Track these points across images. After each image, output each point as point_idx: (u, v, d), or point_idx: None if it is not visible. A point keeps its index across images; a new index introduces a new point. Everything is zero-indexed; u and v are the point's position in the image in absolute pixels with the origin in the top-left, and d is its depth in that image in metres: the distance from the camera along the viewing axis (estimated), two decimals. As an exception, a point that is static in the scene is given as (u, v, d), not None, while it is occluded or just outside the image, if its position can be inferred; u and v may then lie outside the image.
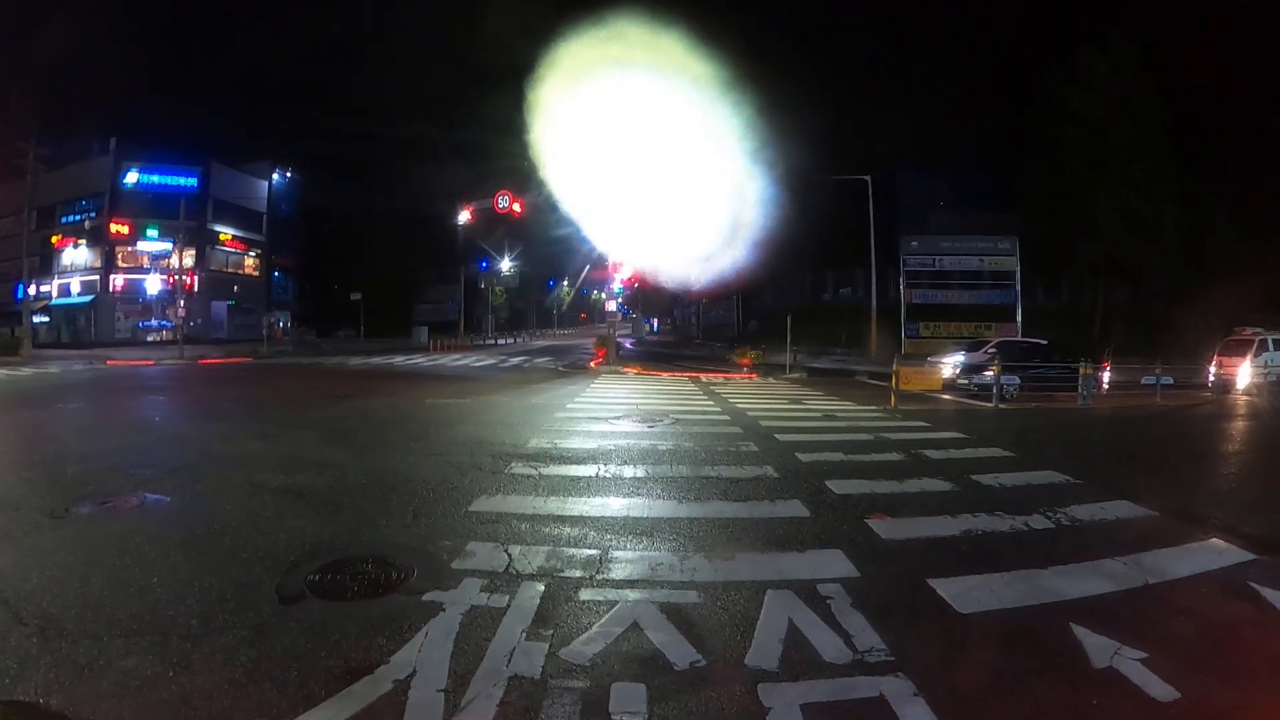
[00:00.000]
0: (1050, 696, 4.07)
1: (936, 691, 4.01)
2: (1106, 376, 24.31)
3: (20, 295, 46.27)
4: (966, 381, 22.79)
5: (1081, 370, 21.13)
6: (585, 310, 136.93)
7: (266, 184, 70.83)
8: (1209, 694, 4.12)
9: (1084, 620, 4.95)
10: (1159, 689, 4.08)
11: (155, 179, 59.37)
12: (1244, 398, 23.51)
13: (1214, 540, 7.12)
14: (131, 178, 57.93)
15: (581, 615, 4.99)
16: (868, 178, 42.44)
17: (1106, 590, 5.66)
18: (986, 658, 4.52)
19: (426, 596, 5.25)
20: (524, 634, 4.64)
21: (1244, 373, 25.35)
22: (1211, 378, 25.18)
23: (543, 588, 5.45)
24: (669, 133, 29.23)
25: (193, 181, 60.92)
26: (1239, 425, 17.49)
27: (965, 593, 5.50)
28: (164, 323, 55.03)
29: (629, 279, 38.89)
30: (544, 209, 33.41)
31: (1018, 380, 21.53)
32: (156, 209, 56.44)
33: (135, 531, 6.75)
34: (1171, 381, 24.51)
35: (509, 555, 6.17)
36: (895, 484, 9.35)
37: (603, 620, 4.89)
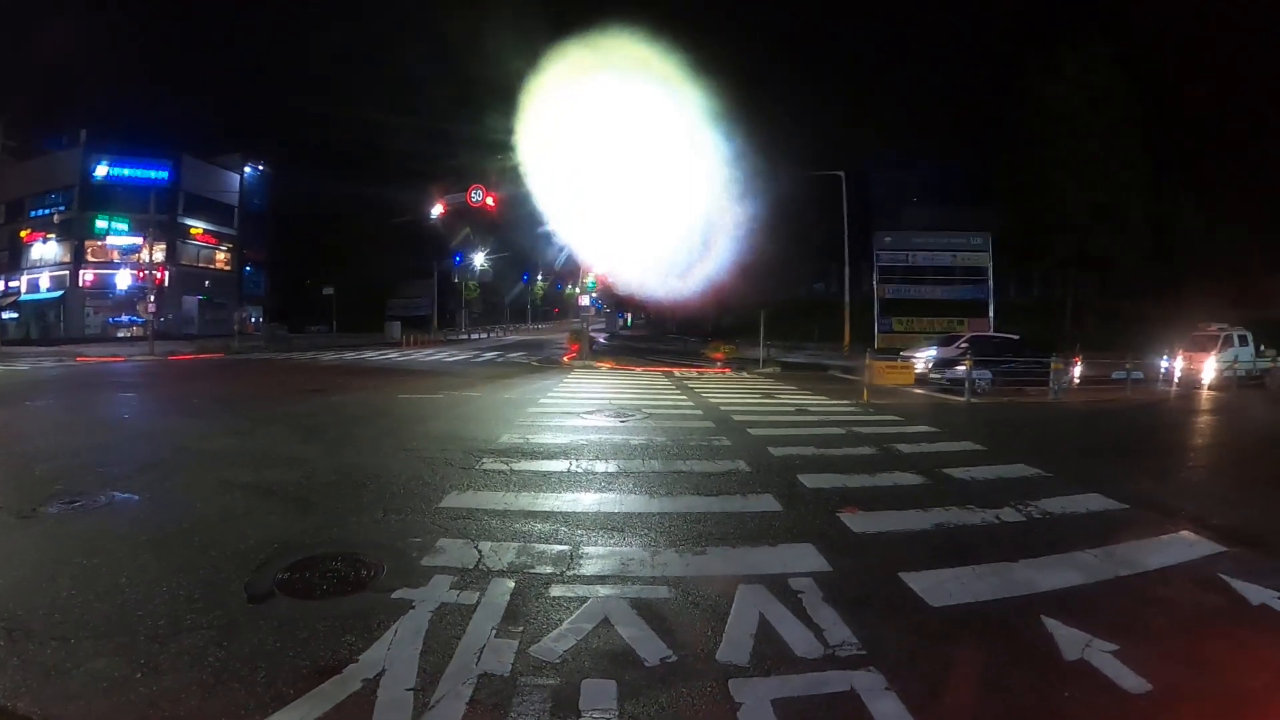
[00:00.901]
0: (1022, 689, 4.09)
1: (908, 685, 4.02)
2: (1078, 371, 24.49)
3: (-11, 291, 45.76)
4: (939, 376, 22.93)
5: (1053, 365, 21.29)
6: (559, 305, 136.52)
7: (238, 177, 70.36)
8: (1180, 685, 4.16)
9: (1056, 613, 4.98)
10: (1131, 681, 4.12)
11: (125, 172, 58.78)
12: (1209, 392, 23.73)
13: (1184, 532, 7.18)
14: (101, 170, 57.27)
15: (552, 611, 4.97)
16: (841, 174, 42.62)
17: (1078, 582, 5.70)
18: (958, 651, 4.53)
19: (396, 594, 5.21)
20: (494, 631, 4.62)
21: (1209, 368, 25.61)
22: (1177, 373, 25.37)
23: (513, 584, 5.43)
24: (641, 130, 29.21)
25: (164, 174, 60.39)
26: (1208, 420, 17.69)
27: (937, 586, 5.52)
28: (135, 318, 54.61)
29: (602, 276, 38.78)
30: (519, 204, 33.29)
31: (990, 375, 21.68)
32: (127, 202, 55.93)
33: (104, 531, 6.70)
34: (1142, 376, 24.70)
35: (479, 552, 6.14)
36: (867, 478, 9.40)
37: (573, 616, 4.87)
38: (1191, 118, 44.55)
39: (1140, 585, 5.72)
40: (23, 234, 57.90)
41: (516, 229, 61.60)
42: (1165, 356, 25.61)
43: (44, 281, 59.49)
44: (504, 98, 28.83)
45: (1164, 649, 4.57)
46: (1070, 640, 4.59)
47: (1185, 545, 6.80)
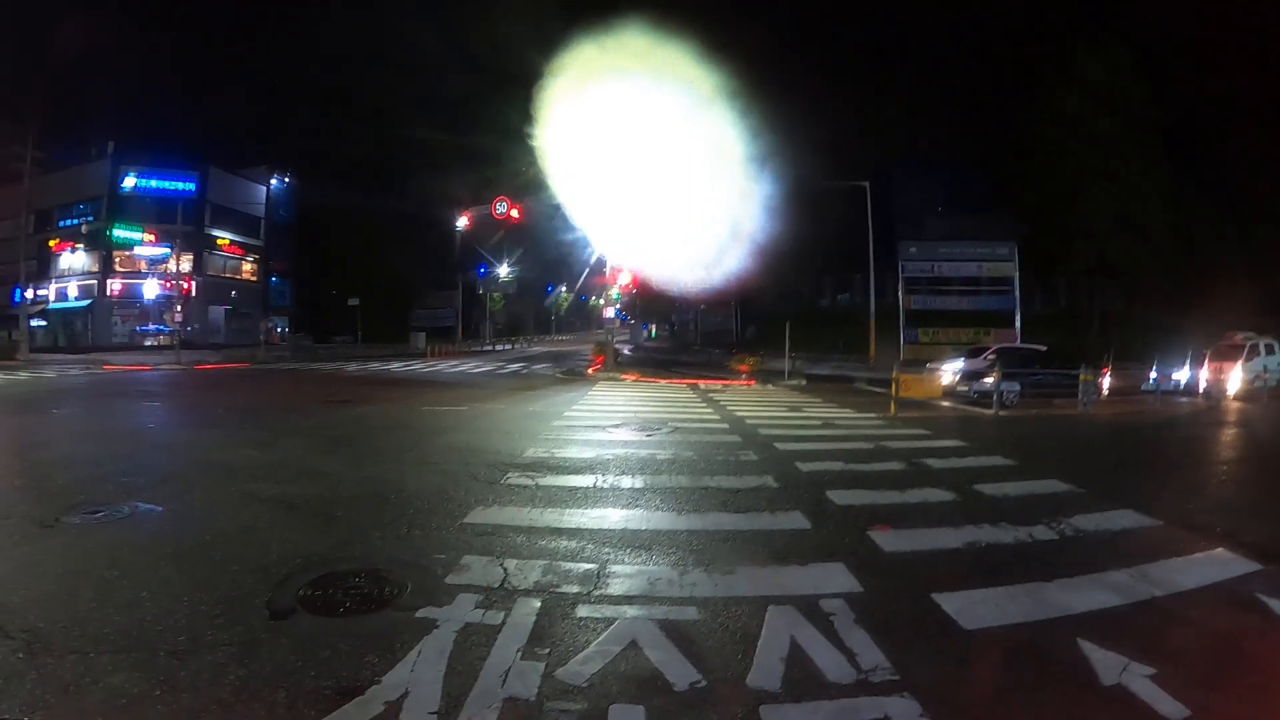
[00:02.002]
0: (1059, 715, 3.99)
1: (943, 712, 3.92)
2: (1106, 382, 24.23)
3: (17, 299, 46.22)
4: (966, 388, 22.71)
5: (1081, 376, 21.06)
6: (583, 316, 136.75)
7: (264, 189, 70.94)
8: (1219, 711, 4.04)
9: (1091, 635, 4.85)
10: (1168, 706, 3.99)
11: (153, 183, 59.44)
12: (1236, 403, 23.38)
13: (1219, 550, 7.02)
14: (129, 182, 57.77)
15: (579, 633, 4.89)
16: (866, 184, 42.46)
17: (1113, 603, 5.55)
18: (993, 675, 4.43)
19: (420, 613, 5.15)
20: (519, 653, 4.54)
21: (1235, 378, 25.19)
22: (1203, 384, 25.00)
23: (539, 604, 5.35)
24: (668, 139, 29.20)
25: (190, 186, 61.07)
26: (1237, 432, 17.41)
27: (970, 607, 5.39)
28: (161, 327, 55.01)
29: (627, 285, 38.78)
30: (543, 215, 33.39)
31: (1018, 387, 21.43)
32: (154, 213, 56.64)
33: (125, 543, 6.69)
34: (1171, 387, 24.39)
35: (504, 570, 6.07)
36: (897, 494, 9.26)
37: (600, 638, 4.79)
38: (1214, 122, 44.22)
39: (1176, 606, 5.58)
40: (51, 243, 58.49)
41: (541, 240, 61.81)
42: (1176, 367, 25.20)
43: (72, 290, 60.21)
44: (529, 105, 28.85)
45: (1202, 672, 4.44)
46: (1106, 664, 4.47)
47: (1220, 564, 6.65)
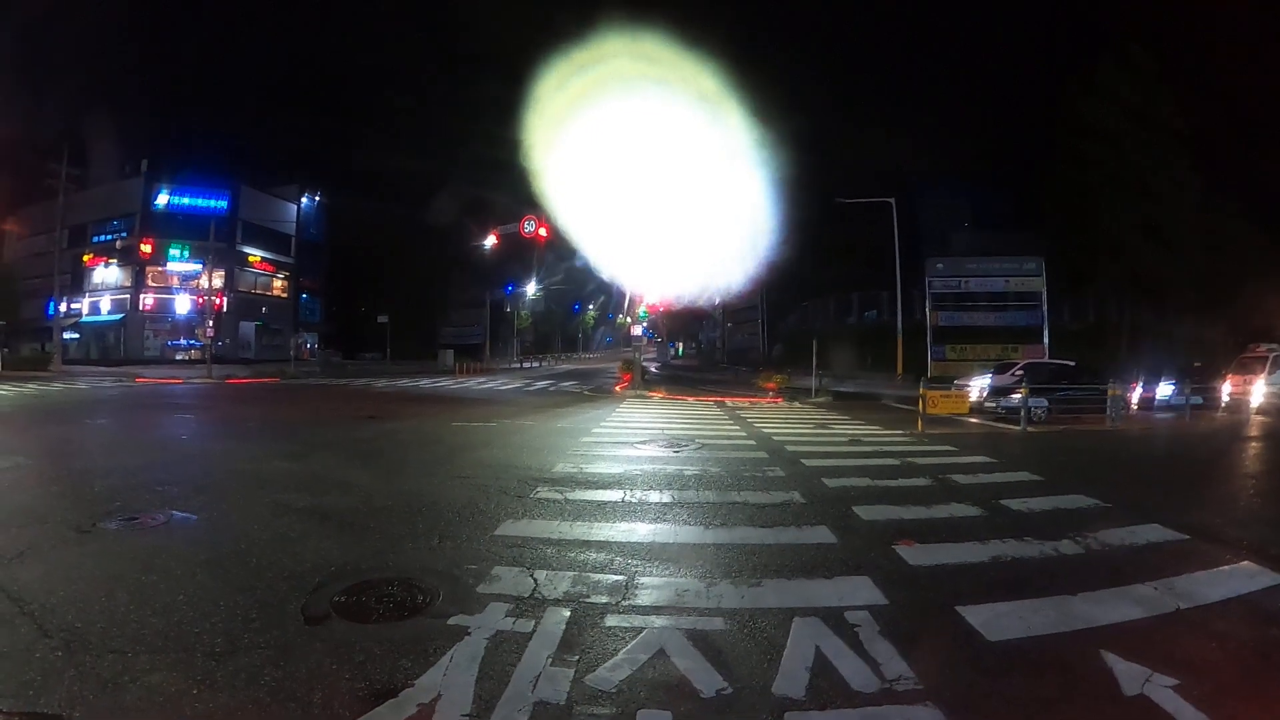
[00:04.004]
0: (1081, 724, 4.00)
1: (966, 720, 3.95)
2: (1136, 397, 24.07)
3: (51, 312, 46.95)
4: (994, 404, 22.61)
5: (1110, 391, 20.93)
6: (610, 334, 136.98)
7: (295, 207, 71.75)
8: (1242, 721, 4.04)
9: (1115, 647, 4.86)
10: (1191, 716, 4.00)
11: (185, 200, 60.33)
12: (1259, 417, 23.10)
13: (1245, 563, 7.00)
14: (162, 199, 58.84)
15: (607, 641, 4.95)
16: (892, 200, 42.42)
17: (1138, 616, 5.56)
18: (1016, 686, 4.44)
19: (452, 620, 5.23)
20: (549, 659, 4.61)
21: (1258, 391, 24.88)
22: (1225, 397, 24.70)
23: (568, 613, 5.43)
24: (693, 159, 29.30)
25: (222, 204, 61.85)
26: (1264, 446, 17.22)
27: (994, 620, 5.42)
28: (192, 342, 55.70)
29: (654, 304, 38.93)
30: (571, 233, 33.56)
31: (1045, 403, 21.32)
32: (186, 230, 57.26)
33: (161, 548, 6.81)
34: (1201, 401, 24.13)
35: (534, 580, 6.14)
36: (923, 509, 9.27)
37: (629, 646, 4.85)
38: (1244, 131, 43.72)
39: (1201, 618, 5.57)
40: (85, 258, 59.37)
41: (569, 258, 62.04)
42: (1176, 380, 24.83)
43: (105, 304, 61.07)
44: (553, 135, 29.03)
45: (1226, 684, 4.44)
46: (1129, 675, 4.47)
47: (1246, 577, 6.63)
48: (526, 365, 74.50)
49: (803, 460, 13.14)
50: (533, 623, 5.21)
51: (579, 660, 4.63)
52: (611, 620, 5.35)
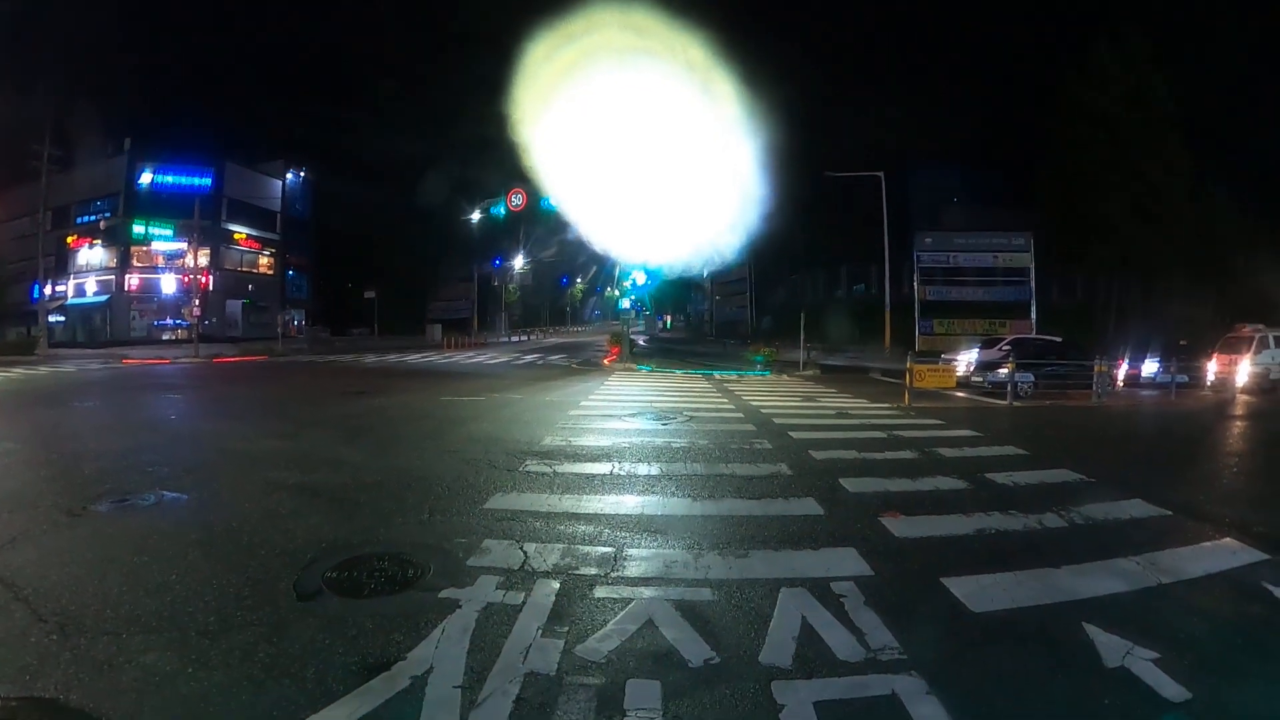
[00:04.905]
0: (1062, 695, 4.08)
1: (949, 690, 4.01)
2: (1122, 374, 24.20)
3: (36, 295, 46.61)
4: (981, 379, 22.76)
5: (1096, 368, 21.05)
6: (599, 307, 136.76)
7: (280, 183, 71.11)
8: (1220, 695, 4.11)
9: (1097, 619, 4.94)
10: (1171, 689, 4.07)
11: (169, 179, 59.69)
12: (1244, 397, 23.25)
13: (1227, 540, 7.06)
14: (146, 178, 58.31)
15: (597, 612, 5.02)
16: (881, 174, 42.34)
17: (1120, 589, 5.63)
18: (999, 657, 4.52)
19: (443, 593, 5.28)
20: (539, 631, 4.67)
21: (1243, 371, 25.03)
22: (1211, 376, 24.86)
23: (558, 585, 5.48)
24: (682, 129, 29.16)
25: (207, 181, 61.19)
26: (1248, 425, 17.33)
27: (978, 591, 5.49)
28: (179, 321, 55.23)
29: (642, 277, 38.94)
30: (561, 205, 33.42)
31: (1032, 378, 21.45)
32: (171, 208, 56.64)
33: (153, 529, 6.80)
34: (1187, 379, 24.27)
35: (524, 553, 6.19)
36: (909, 482, 9.34)
37: (618, 617, 4.91)
38: (1236, 114, 43.75)
39: (1182, 593, 5.65)
40: (69, 240, 58.92)
41: (559, 231, 61.87)
42: (1161, 359, 24.98)
43: (90, 286, 60.51)
44: (535, 94, 28.82)
45: (1205, 658, 4.51)
46: (1110, 647, 4.55)
47: (1228, 553, 6.69)
48: (514, 339, 74.53)
49: (790, 433, 13.20)
50: (523, 595, 5.26)
51: (569, 631, 4.69)
52: (601, 592, 5.40)
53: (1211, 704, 4.00)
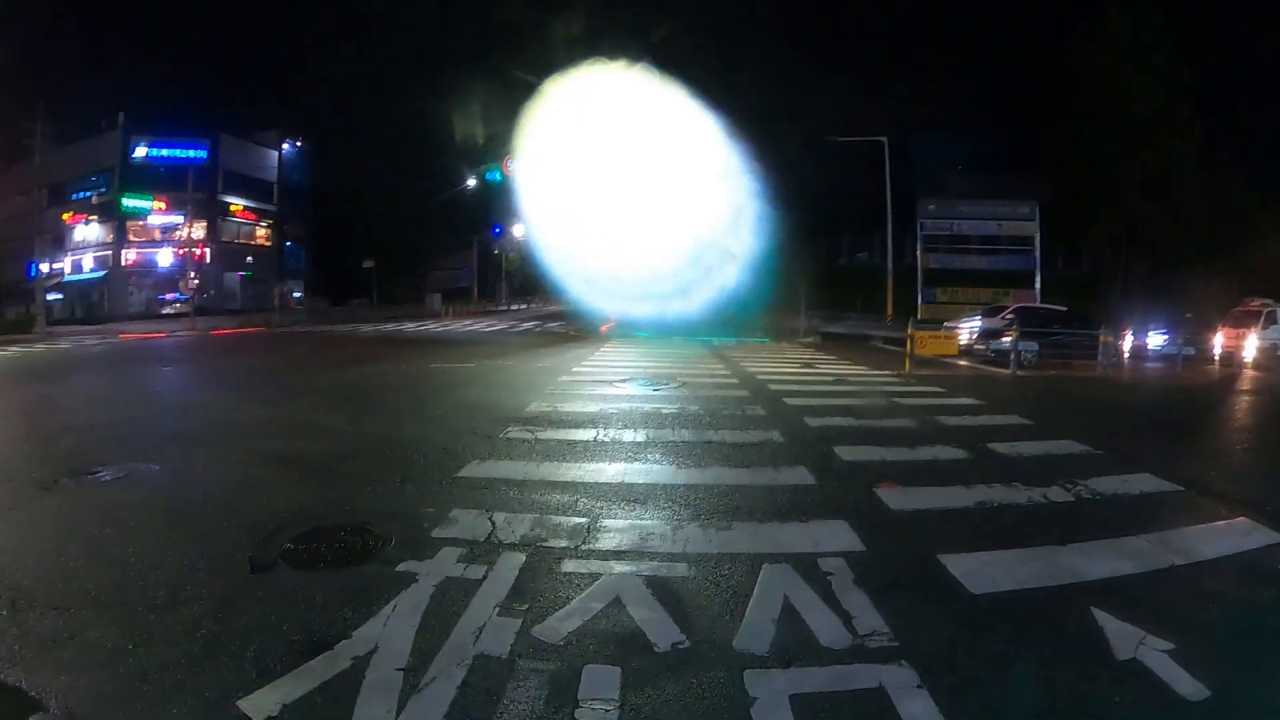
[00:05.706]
0: (1069, 691, 3.71)
1: (942, 683, 3.67)
2: (1128, 345, 23.87)
3: (33, 273, 46.50)
4: (984, 347, 22.50)
5: (1102, 338, 20.73)
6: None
7: (276, 154, 71.06)
8: (1241, 693, 3.74)
9: (1106, 604, 4.58)
10: (1188, 686, 3.70)
11: (164, 152, 59.89)
12: (1251, 371, 22.90)
13: (1241, 519, 6.69)
14: (141, 152, 58.43)
15: (561, 589, 4.71)
16: (884, 139, 41.85)
17: (1130, 571, 5.27)
18: (999, 645, 4.15)
19: (401, 566, 5.02)
20: (497, 609, 4.38)
21: (1251, 345, 24.67)
22: (1218, 350, 24.51)
23: (524, 558, 5.19)
24: (679, 89, 28.92)
25: (202, 153, 61.25)
26: (1258, 399, 16.95)
27: (978, 570, 5.15)
28: (177, 295, 55.22)
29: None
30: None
31: (1036, 347, 21.11)
32: (167, 182, 56.71)
33: (120, 502, 6.66)
34: (1193, 352, 23.93)
35: (492, 523, 5.92)
36: (907, 451, 9.03)
37: (583, 594, 4.61)
38: (1247, 83, 43.29)
39: (1196, 576, 5.29)
40: (65, 216, 58.97)
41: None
42: (1168, 331, 24.68)
43: (87, 262, 60.66)
44: (534, 63, 28.53)
45: (1222, 650, 4.15)
46: (1122, 636, 4.19)
47: (1242, 532, 6.33)
48: (514, 307, 74.52)
49: (785, 399, 12.94)
50: (485, 569, 4.98)
51: (528, 610, 4.39)
52: (569, 566, 5.11)
53: (1232, 705, 3.64)
